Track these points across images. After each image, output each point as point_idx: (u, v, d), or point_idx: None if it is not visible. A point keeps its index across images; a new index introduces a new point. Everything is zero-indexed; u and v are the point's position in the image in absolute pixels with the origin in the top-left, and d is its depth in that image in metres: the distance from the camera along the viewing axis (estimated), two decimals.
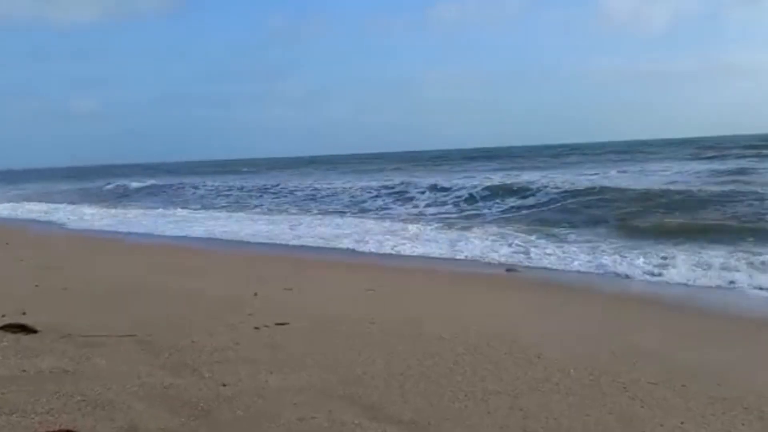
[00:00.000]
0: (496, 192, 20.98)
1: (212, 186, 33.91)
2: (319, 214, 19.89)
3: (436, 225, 15.12)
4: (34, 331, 4.70)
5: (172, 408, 3.39)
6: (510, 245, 11.53)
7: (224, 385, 3.76)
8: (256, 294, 6.96)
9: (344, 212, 20.25)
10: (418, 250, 11.60)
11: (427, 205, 20.69)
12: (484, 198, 20.51)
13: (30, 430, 3.00)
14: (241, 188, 31.45)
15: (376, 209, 20.91)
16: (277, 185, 30.74)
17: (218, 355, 4.37)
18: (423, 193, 23.05)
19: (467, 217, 17.37)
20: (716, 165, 29.05)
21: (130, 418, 3.21)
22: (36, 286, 7.12)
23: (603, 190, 18.57)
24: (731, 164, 28.88)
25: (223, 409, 3.41)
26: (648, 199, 16.54)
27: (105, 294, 6.85)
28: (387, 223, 15.83)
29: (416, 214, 18.61)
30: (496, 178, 25.50)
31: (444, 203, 20.68)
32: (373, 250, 11.82)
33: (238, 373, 3.98)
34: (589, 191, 18.57)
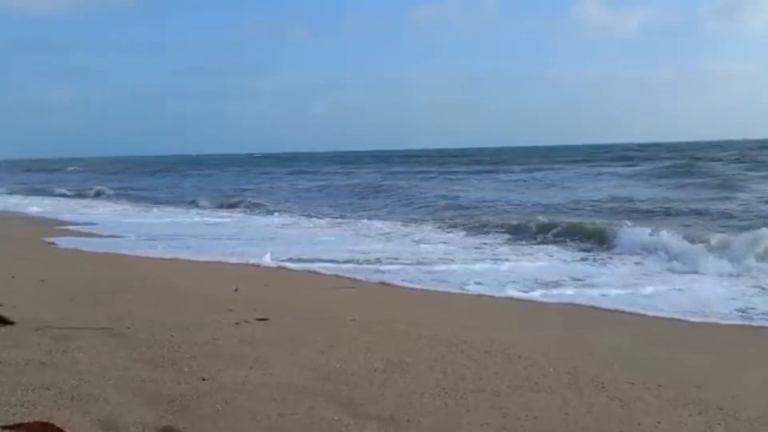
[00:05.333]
0: None
1: None
2: None
3: None
4: (10, 323, 4.63)
5: (150, 402, 3.35)
6: None
7: (203, 380, 3.73)
8: (236, 290, 6.92)
9: None
10: None
11: None
12: None
13: (5, 422, 2.95)
14: None
15: None
16: None
17: (197, 349, 4.34)
18: None
19: None
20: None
21: (107, 412, 3.17)
22: (12, 277, 7.02)
23: None
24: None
25: (202, 404, 3.38)
26: None
27: (82, 287, 6.77)
28: None
29: None
30: None
31: None
32: None
33: (218, 368, 3.95)
34: None
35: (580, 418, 3.52)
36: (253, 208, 22.19)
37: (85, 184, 37.43)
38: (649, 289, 8.02)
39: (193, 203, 24.91)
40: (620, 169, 35.17)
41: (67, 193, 32.25)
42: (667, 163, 36.44)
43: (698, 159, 38.16)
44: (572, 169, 38.66)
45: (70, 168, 63.47)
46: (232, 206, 23.13)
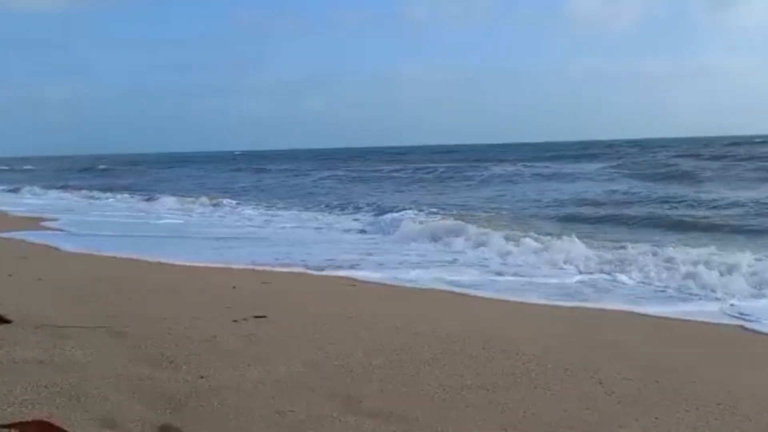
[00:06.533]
0: None
1: None
2: None
3: None
4: (8, 321, 4.62)
5: (148, 400, 3.35)
6: None
7: (201, 378, 3.73)
8: (234, 287, 6.92)
9: None
10: None
11: None
12: None
13: (4, 420, 2.95)
14: None
15: None
16: None
17: (195, 347, 4.34)
18: None
19: None
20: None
21: (106, 410, 3.17)
22: (9, 275, 7.01)
23: None
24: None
25: (200, 402, 3.38)
26: None
27: (80, 285, 6.76)
28: None
29: None
30: None
31: None
32: None
33: (216, 366, 3.95)
34: None
35: (577, 414, 3.53)
36: (228, 206, 21.43)
37: None
38: (644, 289, 8.07)
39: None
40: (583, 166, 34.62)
41: None
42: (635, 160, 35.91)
43: (671, 158, 37.30)
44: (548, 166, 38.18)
45: None
46: (210, 205, 21.85)
